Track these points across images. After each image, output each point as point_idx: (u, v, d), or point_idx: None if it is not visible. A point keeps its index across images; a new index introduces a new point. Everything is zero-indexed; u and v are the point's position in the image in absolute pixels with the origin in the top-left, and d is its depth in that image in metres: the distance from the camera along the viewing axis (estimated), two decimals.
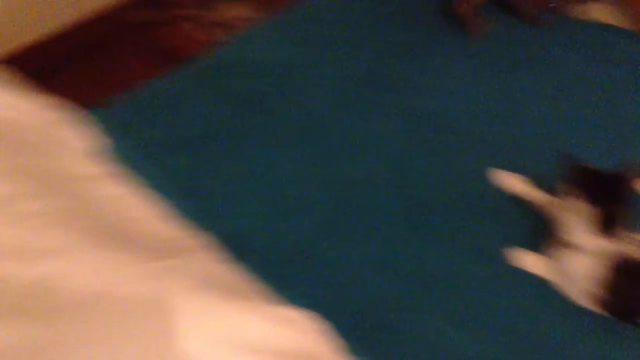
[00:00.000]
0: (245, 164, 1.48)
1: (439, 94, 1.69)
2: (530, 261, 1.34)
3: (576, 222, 1.22)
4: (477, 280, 1.32)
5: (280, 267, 1.30)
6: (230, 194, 1.42)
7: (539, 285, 1.32)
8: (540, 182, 1.45)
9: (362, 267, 1.32)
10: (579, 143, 1.57)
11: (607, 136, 1.61)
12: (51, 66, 2.22)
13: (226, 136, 1.53)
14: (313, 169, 1.49)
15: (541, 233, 1.33)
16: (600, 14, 1.97)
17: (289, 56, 1.75)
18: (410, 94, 1.69)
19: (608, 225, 1.20)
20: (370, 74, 1.73)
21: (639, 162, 1.20)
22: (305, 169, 1.49)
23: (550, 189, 1.32)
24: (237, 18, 2.50)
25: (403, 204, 1.44)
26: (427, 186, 1.48)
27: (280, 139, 1.54)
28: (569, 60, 1.81)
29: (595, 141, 1.59)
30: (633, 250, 1.21)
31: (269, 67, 1.71)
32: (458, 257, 1.35)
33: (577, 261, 1.24)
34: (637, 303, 1.23)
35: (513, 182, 1.47)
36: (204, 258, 1.22)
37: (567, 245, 1.25)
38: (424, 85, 1.71)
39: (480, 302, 1.29)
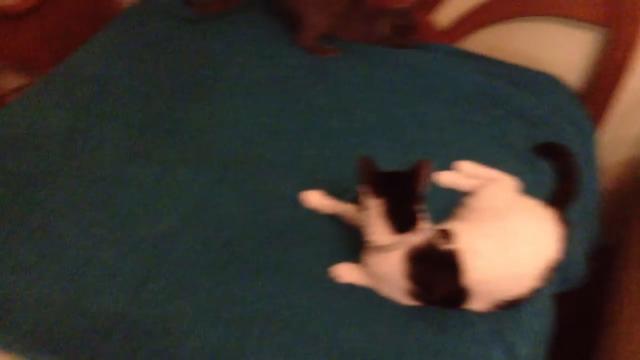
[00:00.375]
0: (36, 248, 1.36)
1: (231, 129, 1.67)
2: (349, 273, 1.35)
3: (377, 223, 1.25)
4: (303, 305, 1.31)
5: (92, 352, 1.21)
6: (21, 285, 1.30)
7: (365, 294, 1.33)
8: (344, 192, 1.47)
9: (182, 326, 1.26)
10: (373, 148, 1.62)
11: (397, 138, 1.66)
12: None
13: (7, 223, 1.40)
14: (114, 235, 1.40)
15: (356, 243, 1.34)
16: None
17: (65, 121, 1.64)
18: (201, 134, 1.65)
19: (405, 221, 1.24)
20: (154, 122, 1.67)
21: (429, 159, 1.25)
22: (105, 238, 1.40)
23: (353, 197, 1.34)
24: (18, 89, 2.35)
25: (217, 249, 1.40)
26: (238, 224, 1.45)
27: (71, 213, 1.44)
28: (352, 72, 1.85)
29: (386, 144, 1.64)
30: (433, 241, 1.25)
31: (46, 137, 1.60)
32: (281, 287, 1.33)
33: (385, 261, 1.26)
34: (442, 288, 1.27)
35: (316, 200, 1.48)
36: None
37: (375, 247, 1.27)
38: (212, 123, 1.68)
39: (310, 326, 1.27)
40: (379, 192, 1.25)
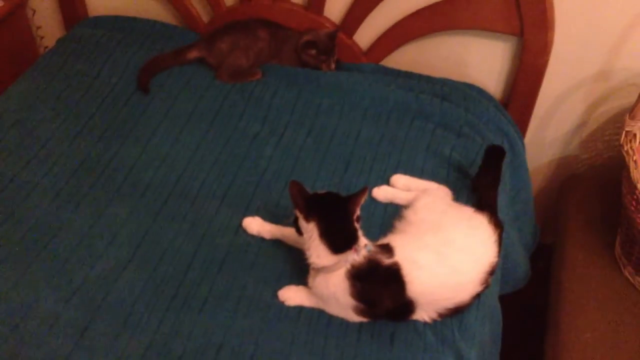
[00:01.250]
0: None
1: (165, 163, 1.65)
2: (296, 295, 1.36)
3: (315, 245, 1.26)
4: (252, 332, 1.30)
5: None
6: None
7: (313, 316, 1.34)
8: (283, 216, 1.48)
9: None
10: (309, 169, 1.65)
11: (331, 157, 1.68)
12: None
13: None
14: (52, 281, 1.37)
15: (301, 265, 1.34)
16: None
17: None
18: (134, 171, 1.63)
19: (342, 240, 1.25)
20: (84, 163, 1.64)
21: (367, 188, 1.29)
22: (43, 285, 1.37)
23: (292, 221, 1.35)
24: None
25: (160, 284, 1.38)
26: (180, 257, 1.44)
27: (6, 262, 1.41)
28: (281, 96, 1.86)
29: (322, 164, 1.66)
30: (373, 257, 1.27)
31: None
32: (228, 316, 1.33)
33: (329, 282, 1.27)
34: (387, 302, 1.29)
35: (257, 225, 1.49)
36: None
37: (317, 269, 1.28)
38: (145, 159, 1.66)
39: (261, 352, 1.27)
40: (312, 214, 1.26)
